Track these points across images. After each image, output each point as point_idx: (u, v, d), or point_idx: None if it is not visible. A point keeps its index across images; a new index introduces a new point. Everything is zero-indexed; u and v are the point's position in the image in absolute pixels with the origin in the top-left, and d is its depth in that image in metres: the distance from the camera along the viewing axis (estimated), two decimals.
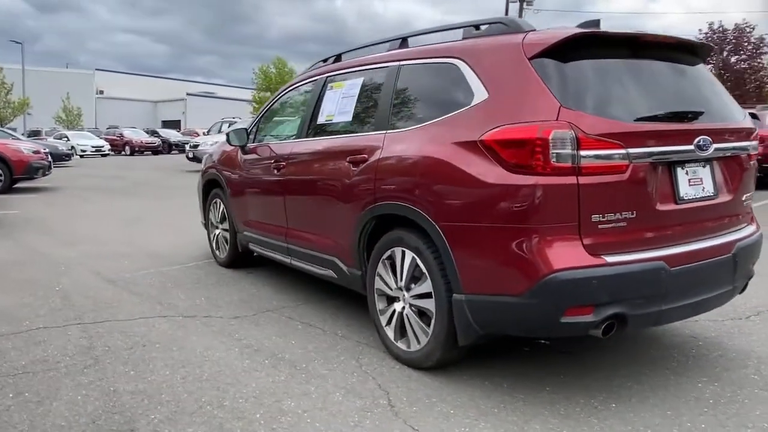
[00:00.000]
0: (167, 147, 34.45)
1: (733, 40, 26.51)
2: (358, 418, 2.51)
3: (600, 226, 2.43)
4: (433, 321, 2.84)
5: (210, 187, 5.48)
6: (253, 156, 4.64)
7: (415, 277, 2.96)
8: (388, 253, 3.11)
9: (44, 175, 12.63)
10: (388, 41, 3.70)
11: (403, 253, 3.00)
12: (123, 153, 32.67)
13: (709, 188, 2.78)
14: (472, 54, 2.88)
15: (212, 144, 14.58)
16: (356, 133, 3.53)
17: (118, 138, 33.72)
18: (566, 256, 2.39)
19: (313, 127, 4.00)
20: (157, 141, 34.19)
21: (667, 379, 2.88)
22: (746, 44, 26.79)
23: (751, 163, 3.02)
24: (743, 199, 2.99)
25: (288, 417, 2.52)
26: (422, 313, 2.93)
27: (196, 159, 17.11)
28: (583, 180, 2.39)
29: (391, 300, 3.16)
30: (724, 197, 2.86)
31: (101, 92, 59.29)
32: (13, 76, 38.72)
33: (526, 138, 2.43)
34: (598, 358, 3.14)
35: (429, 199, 2.79)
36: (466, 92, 2.79)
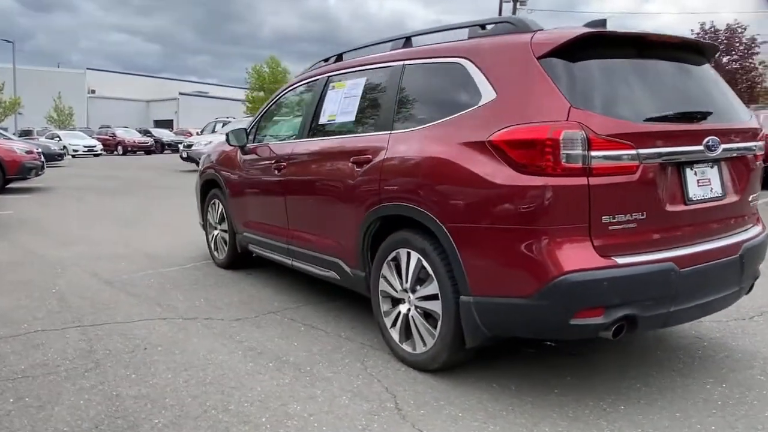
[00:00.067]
0: (160, 147, 34.25)
1: (725, 41, 26.63)
2: (365, 421, 2.48)
3: (610, 228, 2.41)
4: (439, 323, 2.81)
5: (208, 188, 5.42)
6: (253, 156, 4.59)
7: (420, 278, 2.93)
8: (393, 254, 3.08)
9: (37, 175, 12.52)
10: (390, 41, 3.67)
11: (409, 254, 2.97)
12: (115, 153, 32.42)
13: (717, 189, 2.77)
14: (479, 53, 2.85)
15: (206, 144, 14.54)
16: (359, 133, 3.49)
17: (111, 138, 33.45)
18: (577, 258, 2.37)
19: (314, 127, 3.96)
20: (149, 141, 33.96)
21: (675, 380, 2.87)
22: (738, 45, 26.95)
23: (758, 163, 3.02)
24: (750, 199, 2.98)
25: (294, 421, 2.48)
26: (428, 315, 2.90)
27: (190, 159, 17.05)
28: (593, 181, 2.37)
29: (396, 302, 3.13)
30: (732, 198, 2.85)
31: (93, 92, 58.75)
32: (3, 75, 38.55)
33: (536, 138, 2.41)
34: (604, 360, 3.13)
35: (435, 200, 2.76)
36: (473, 92, 2.77)
